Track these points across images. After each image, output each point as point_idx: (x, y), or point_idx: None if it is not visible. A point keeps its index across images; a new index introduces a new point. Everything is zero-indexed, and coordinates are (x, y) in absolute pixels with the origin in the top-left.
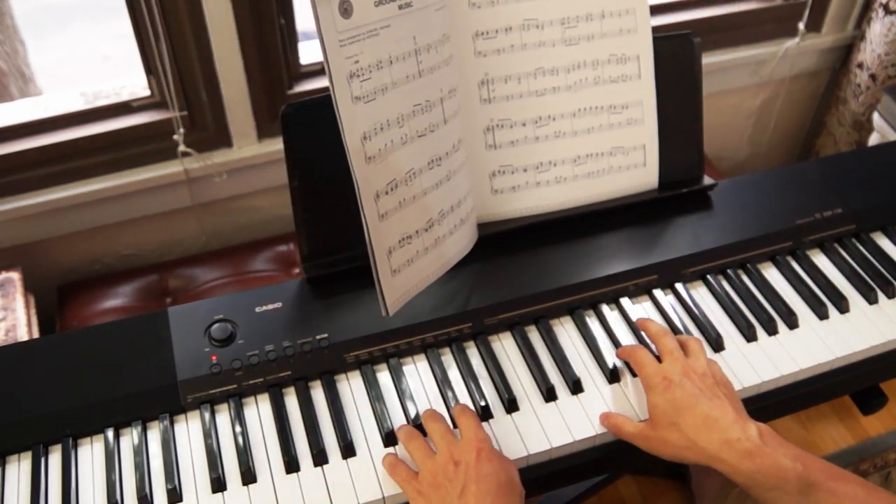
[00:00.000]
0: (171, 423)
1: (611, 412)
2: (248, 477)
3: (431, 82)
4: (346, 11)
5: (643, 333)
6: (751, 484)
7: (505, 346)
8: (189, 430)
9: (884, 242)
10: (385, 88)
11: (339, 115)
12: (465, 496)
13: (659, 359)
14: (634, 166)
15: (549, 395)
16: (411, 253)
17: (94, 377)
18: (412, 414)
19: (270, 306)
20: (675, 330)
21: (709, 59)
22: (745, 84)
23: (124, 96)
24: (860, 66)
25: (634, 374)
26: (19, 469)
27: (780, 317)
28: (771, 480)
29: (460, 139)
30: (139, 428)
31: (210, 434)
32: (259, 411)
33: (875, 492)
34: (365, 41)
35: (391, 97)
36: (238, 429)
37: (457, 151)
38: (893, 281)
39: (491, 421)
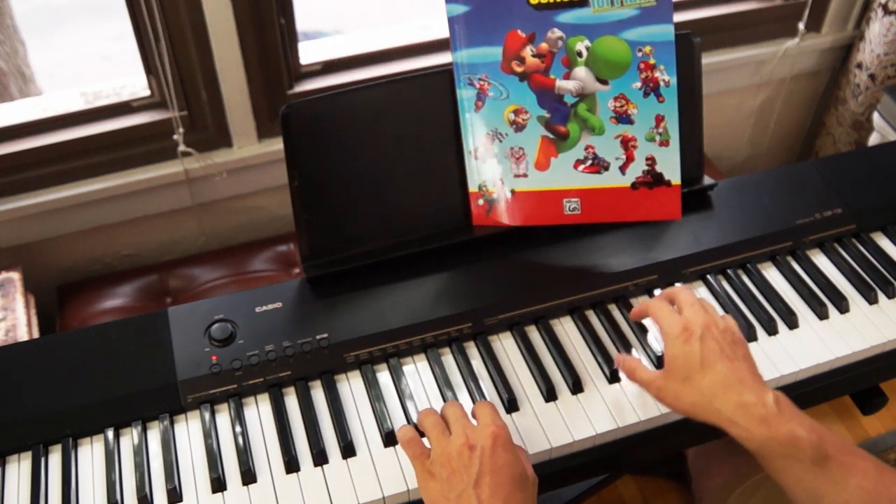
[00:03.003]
0: (171, 423)
1: (627, 356)
2: (248, 477)
3: None
4: None
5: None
6: (764, 452)
7: (505, 346)
8: (189, 430)
9: (884, 242)
10: None
11: None
12: (480, 486)
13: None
14: None
15: (550, 395)
16: None
17: (94, 377)
18: (412, 414)
19: (270, 306)
20: None
21: (709, 59)
22: (745, 84)
23: (124, 96)
24: (859, 66)
25: None
26: (19, 469)
27: (780, 317)
28: (784, 449)
29: None
30: (139, 428)
31: (210, 434)
32: (259, 411)
33: (887, 471)
34: None
35: None
36: (238, 429)
37: None
38: (893, 281)
39: None
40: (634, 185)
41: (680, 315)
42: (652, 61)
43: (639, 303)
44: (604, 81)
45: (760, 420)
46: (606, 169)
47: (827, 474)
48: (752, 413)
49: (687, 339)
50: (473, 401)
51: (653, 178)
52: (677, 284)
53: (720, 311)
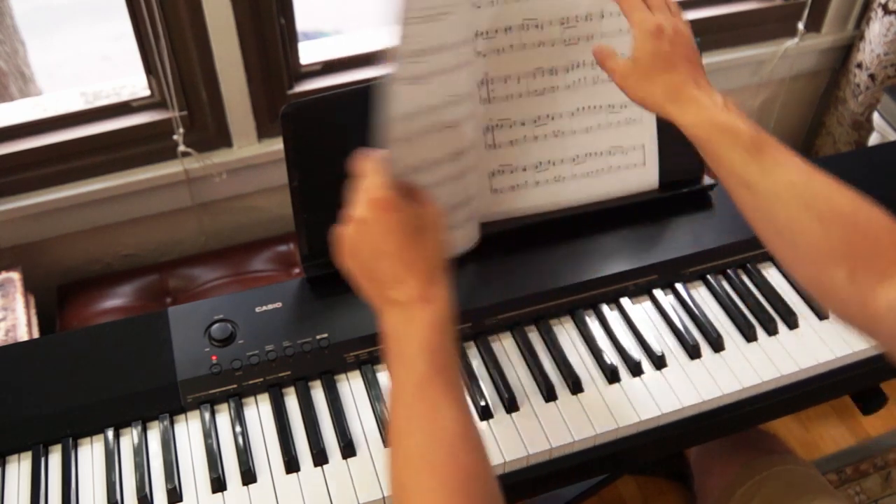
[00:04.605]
0: (171, 423)
1: (603, 45)
2: (248, 477)
3: (467, 76)
4: None
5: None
6: (706, 136)
7: (505, 346)
8: (189, 430)
9: None
10: (433, 74)
11: (391, 90)
12: (380, 258)
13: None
14: (634, 165)
15: (549, 395)
16: None
17: (94, 377)
18: None
19: (270, 306)
20: (675, 329)
21: (709, 59)
22: (745, 84)
23: (124, 96)
24: (859, 66)
25: (634, 375)
26: (19, 469)
27: (780, 317)
28: (724, 136)
29: (473, 142)
30: (139, 428)
31: (210, 434)
32: (259, 411)
33: (817, 173)
34: (426, 24)
35: (438, 83)
36: (238, 429)
37: (473, 149)
38: None
39: (491, 421)
40: None
41: (652, 14)
42: None
43: (638, 304)
44: None
45: (706, 110)
46: None
47: (759, 164)
48: (701, 105)
49: (657, 36)
50: (473, 401)
51: None
52: (680, 284)
53: (719, 311)
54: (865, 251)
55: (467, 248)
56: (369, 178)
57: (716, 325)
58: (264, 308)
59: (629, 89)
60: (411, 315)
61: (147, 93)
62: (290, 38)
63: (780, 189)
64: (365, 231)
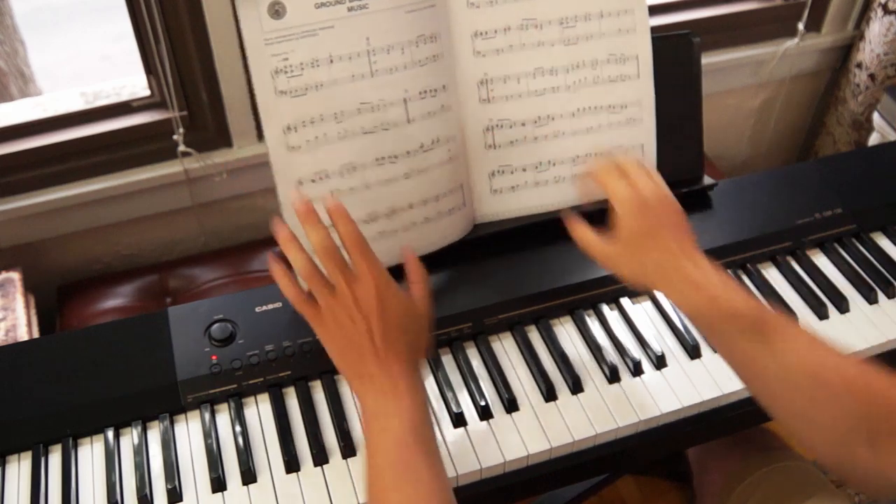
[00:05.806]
0: (171, 423)
1: (578, 219)
2: (248, 477)
3: (389, 82)
4: (276, 13)
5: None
6: (701, 319)
7: (505, 346)
8: (189, 430)
9: (884, 242)
10: (320, 85)
11: (259, 106)
12: (372, 334)
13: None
14: None
15: (549, 394)
16: None
17: (94, 377)
18: None
19: (270, 306)
20: (675, 329)
21: (709, 59)
22: (745, 84)
23: (124, 96)
24: (859, 65)
25: (634, 375)
26: (19, 469)
27: None
28: (727, 320)
29: (437, 138)
30: (139, 428)
31: (210, 434)
32: (259, 411)
33: (818, 343)
34: (298, 41)
35: (328, 94)
36: (238, 429)
37: (427, 151)
38: (893, 281)
39: (491, 421)
40: None
41: (633, 187)
42: None
43: (638, 304)
44: None
45: (703, 290)
46: None
47: (766, 347)
48: (698, 286)
49: (643, 213)
50: (473, 401)
51: None
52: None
53: None
54: (883, 421)
55: (454, 240)
56: (368, 261)
57: None
58: (264, 308)
59: (616, 270)
60: (395, 393)
61: (147, 93)
62: None
63: (792, 372)
64: (362, 309)
